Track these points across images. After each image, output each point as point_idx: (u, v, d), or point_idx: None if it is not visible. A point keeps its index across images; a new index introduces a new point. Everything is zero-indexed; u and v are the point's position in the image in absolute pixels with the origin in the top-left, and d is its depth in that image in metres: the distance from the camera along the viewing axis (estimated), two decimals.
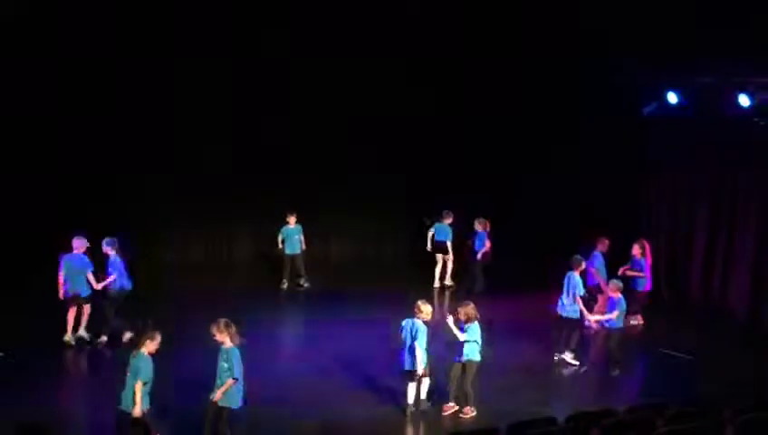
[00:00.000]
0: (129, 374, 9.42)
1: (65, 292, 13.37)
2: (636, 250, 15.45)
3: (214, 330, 9.72)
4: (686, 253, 17.10)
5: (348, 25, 18.02)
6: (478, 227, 17.29)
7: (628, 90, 16.77)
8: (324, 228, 19.25)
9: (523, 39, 18.02)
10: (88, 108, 16.66)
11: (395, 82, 18.92)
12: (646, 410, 9.84)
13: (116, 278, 13.53)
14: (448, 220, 17.48)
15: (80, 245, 13.42)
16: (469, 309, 11.31)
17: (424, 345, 10.97)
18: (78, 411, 11.66)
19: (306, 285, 17.33)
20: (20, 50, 15.50)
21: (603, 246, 15.43)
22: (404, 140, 19.50)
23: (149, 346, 9.50)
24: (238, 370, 9.64)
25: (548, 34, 17.59)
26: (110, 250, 13.62)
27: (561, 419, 9.52)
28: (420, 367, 10.98)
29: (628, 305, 13.33)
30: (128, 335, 13.53)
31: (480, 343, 11.27)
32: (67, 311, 13.46)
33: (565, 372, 13.30)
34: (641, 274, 15.41)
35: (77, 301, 13.49)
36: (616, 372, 13.05)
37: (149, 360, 9.48)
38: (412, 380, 11.13)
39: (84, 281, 13.43)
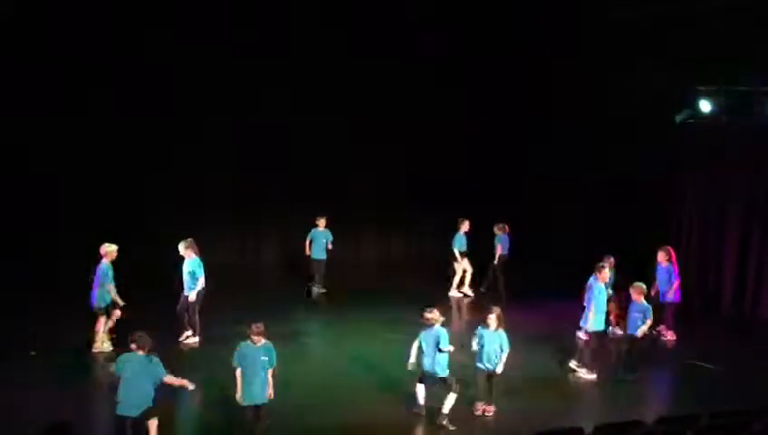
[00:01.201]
0: (140, 379, 9.31)
1: (97, 301, 12.98)
2: (662, 257, 14.78)
3: (258, 330, 9.86)
4: (717, 261, 16.84)
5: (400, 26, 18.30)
6: (497, 231, 17.24)
7: (659, 94, 16.55)
8: (348, 230, 19.05)
9: (548, 43, 17.98)
10: (98, 108, 16.75)
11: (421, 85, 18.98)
12: (676, 422, 9.60)
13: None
14: (461, 228, 17.25)
15: (106, 252, 13.03)
16: (501, 313, 11.19)
17: (448, 348, 10.80)
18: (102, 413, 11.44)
19: (321, 291, 17.16)
20: (19, 50, 15.62)
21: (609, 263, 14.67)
22: (433, 145, 19.47)
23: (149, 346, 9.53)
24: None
25: (574, 38, 17.55)
26: (191, 252, 13.45)
27: (588, 429, 9.24)
28: (446, 371, 10.83)
29: (656, 319, 12.92)
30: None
31: (488, 349, 11.01)
32: (98, 319, 13.02)
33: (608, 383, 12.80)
34: (671, 285, 14.74)
35: (108, 309, 13.14)
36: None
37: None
38: (438, 385, 10.93)
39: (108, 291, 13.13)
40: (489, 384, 11.16)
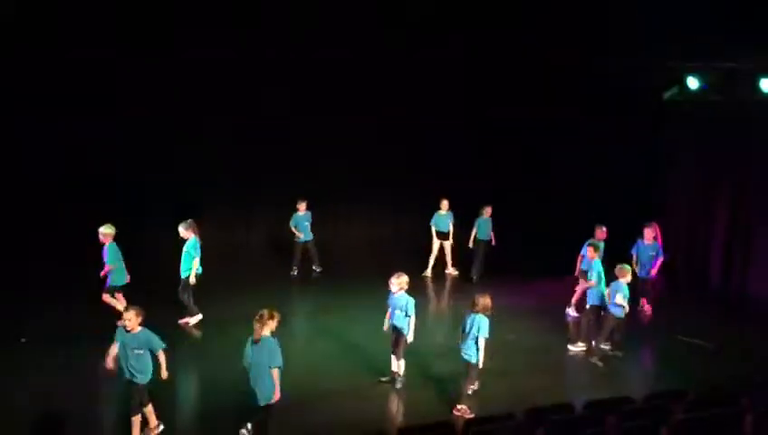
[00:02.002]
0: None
1: (112, 280, 13.27)
2: (648, 234, 15.04)
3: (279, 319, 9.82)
4: (705, 238, 17.05)
5: (362, 22, 18.28)
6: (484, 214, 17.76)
7: (647, 78, 16.71)
8: (334, 215, 19.52)
9: (539, 29, 18.07)
10: (98, 108, 16.86)
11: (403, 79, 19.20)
12: (663, 398, 9.80)
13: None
14: (441, 208, 17.70)
15: (106, 233, 13.28)
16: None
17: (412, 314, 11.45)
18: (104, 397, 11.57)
19: (318, 270, 17.54)
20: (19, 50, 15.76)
21: (601, 233, 15.06)
22: (432, 144, 19.80)
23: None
24: None
25: (564, 24, 17.65)
26: (190, 233, 13.53)
27: (578, 405, 9.52)
28: (411, 336, 11.43)
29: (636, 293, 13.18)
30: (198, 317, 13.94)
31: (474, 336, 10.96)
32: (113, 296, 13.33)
33: (591, 359, 13.10)
34: (655, 261, 15.06)
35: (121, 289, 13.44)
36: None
37: None
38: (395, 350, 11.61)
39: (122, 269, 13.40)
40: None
